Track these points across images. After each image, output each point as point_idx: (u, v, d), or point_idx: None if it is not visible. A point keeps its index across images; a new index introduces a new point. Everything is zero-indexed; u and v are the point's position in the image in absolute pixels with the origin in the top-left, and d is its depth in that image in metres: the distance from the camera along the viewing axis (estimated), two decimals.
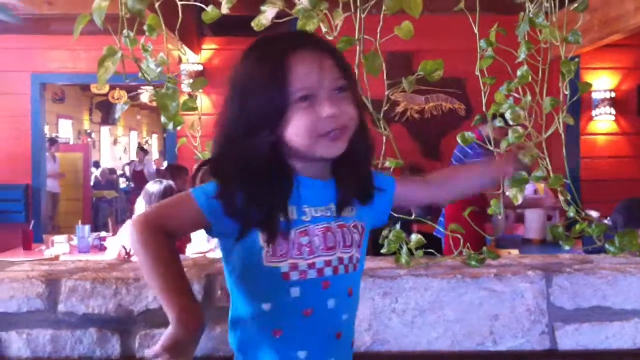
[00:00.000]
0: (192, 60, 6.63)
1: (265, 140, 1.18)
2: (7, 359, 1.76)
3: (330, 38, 1.68)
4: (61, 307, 1.77)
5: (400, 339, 1.76)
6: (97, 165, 12.72)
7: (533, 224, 4.90)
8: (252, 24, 1.68)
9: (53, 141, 10.27)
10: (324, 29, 1.69)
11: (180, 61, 1.90)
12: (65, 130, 13.23)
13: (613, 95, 6.77)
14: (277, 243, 1.19)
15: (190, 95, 1.91)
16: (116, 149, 16.76)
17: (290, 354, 1.23)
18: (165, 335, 1.12)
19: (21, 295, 1.77)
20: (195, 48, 6.69)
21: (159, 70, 1.88)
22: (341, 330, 1.27)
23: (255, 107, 1.17)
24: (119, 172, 13.48)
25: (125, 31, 1.77)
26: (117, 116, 2.28)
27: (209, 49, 6.93)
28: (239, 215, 1.18)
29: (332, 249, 1.23)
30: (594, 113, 6.81)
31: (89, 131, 14.63)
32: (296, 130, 1.17)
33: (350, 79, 1.24)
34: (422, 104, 6.85)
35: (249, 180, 1.18)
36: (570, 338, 1.76)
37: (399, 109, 6.78)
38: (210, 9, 1.82)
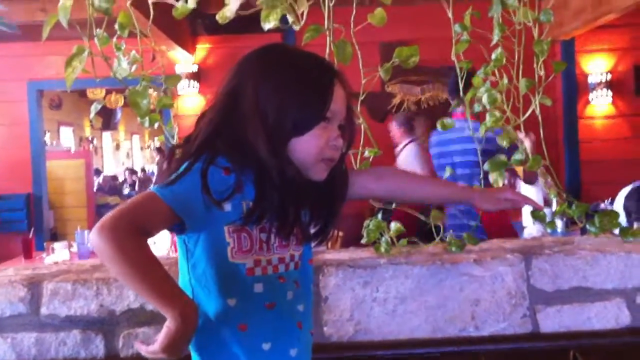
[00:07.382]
0: (187, 60, 6.61)
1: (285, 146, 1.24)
2: None
3: (296, 28, 1.67)
4: (44, 310, 1.77)
5: (382, 328, 1.75)
6: (97, 172, 12.70)
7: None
8: (217, 17, 1.67)
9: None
10: (290, 19, 1.67)
11: (154, 58, 1.88)
12: (67, 138, 13.24)
13: (609, 77, 6.71)
14: (241, 238, 1.22)
15: (164, 92, 1.90)
16: (119, 154, 16.77)
17: (255, 346, 1.25)
18: (163, 335, 1.13)
19: (4, 300, 1.77)
20: (189, 48, 6.68)
21: (133, 68, 1.87)
22: (300, 320, 1.31)
23: (294, 111, 1.23)
24: (121, 178, 13.43)
25: (96, 30, 1.76)
26: (91, 117, 2.25)
27: (203, 48, 6.91)
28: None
29: (286, 246, 1.29)
30: (590, 96, 6.76)
31: (90, 137, 14.62)
32: (308, 146, 1.24)
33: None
34: (419, 95, 6.82)
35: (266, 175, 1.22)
36: (552, 320, 1.75)
37: (396, 101, 6.76)
38: (179, 4, 1.80)
